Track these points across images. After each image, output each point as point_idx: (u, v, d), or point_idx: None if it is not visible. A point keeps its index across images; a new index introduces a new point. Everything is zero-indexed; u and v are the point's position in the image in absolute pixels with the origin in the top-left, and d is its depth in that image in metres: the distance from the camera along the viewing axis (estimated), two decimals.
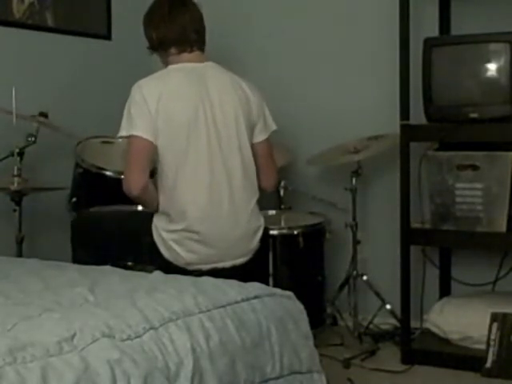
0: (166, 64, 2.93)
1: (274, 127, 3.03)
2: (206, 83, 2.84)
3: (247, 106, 2.91)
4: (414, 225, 3.28)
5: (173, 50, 2.90)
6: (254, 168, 2.92)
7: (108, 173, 3.33)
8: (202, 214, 2.78)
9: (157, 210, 2.86)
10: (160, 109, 2.74)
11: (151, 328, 1.75)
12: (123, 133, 2.78)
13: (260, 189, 3.00)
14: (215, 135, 2.81)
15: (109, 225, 3.04)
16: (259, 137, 2.98)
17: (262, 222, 2.95)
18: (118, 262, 2.67)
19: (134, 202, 2.91)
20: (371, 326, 3.64)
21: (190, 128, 2.78)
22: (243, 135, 2.88)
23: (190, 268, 2.78)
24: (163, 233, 2.80)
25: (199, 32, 2.94)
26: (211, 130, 2.80)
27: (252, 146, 2.94)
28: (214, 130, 2.81)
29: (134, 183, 2.74)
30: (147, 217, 2.88)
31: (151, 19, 2.94)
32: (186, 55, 2.89)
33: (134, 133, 2.75)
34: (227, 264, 2.83)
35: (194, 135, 2.78)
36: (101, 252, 2.81)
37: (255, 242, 2.92)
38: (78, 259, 2.94)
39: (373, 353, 3.36)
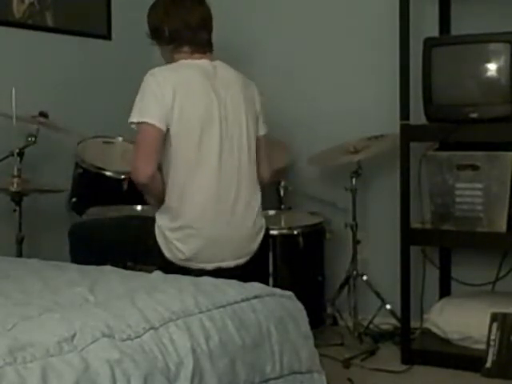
0: (170, 59, 2.90)
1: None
2: (215, 81, 2.83)
3: (253, 104, 2.93)
4: (414, 225, 3.28)
5: (186, 49, 2.88)
6: (257, 169, 2.93)
7: (108, 173, 3.33)
8: (206, 212, 2.77)
9: (161, 203, 2.84)
10: (175, 103, 2.72)
11: (151, 328, 1.75)
12: (134, 119, 2.73)
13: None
14: (227, 134, 2.80)
15: (107, 232, 3.01)
16: (262, 130, 3.00)
17: (263, 222, 2.96)
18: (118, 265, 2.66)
19: (138, 190, 2.88)
20: (371, 326, 3.64)
21: (203, 124, 2.76)
22: (251, 136, 2.89)
23: (194, 267, 2.77)
24: (167, 232, 2.78)
25: (210, 32, 2.93)
26: (223, 127, 2.80)
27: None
28: (226, 128, 2.80)
29: (143, 171, 2.71)
30: (147, 222, 2.87)
31: (166, 13, 2.88)
32: (198, 55, 2.88)
33: (146, 120, 2.71)
34: (231, 263, 2.83)
35: (207, 132, 2.77)
36: (100, 259, 2.76)
37: (258, 242, 2.92)
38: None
39: (373, 353, 3.36)
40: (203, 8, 2.93)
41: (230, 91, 2.85)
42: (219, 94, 2.82)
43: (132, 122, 2.75)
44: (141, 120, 2.72)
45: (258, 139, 2.98)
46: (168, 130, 2.74)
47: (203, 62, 2.87)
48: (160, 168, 2.81)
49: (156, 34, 2.93)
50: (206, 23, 2.92)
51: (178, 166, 2.78)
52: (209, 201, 2.78)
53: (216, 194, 2.78)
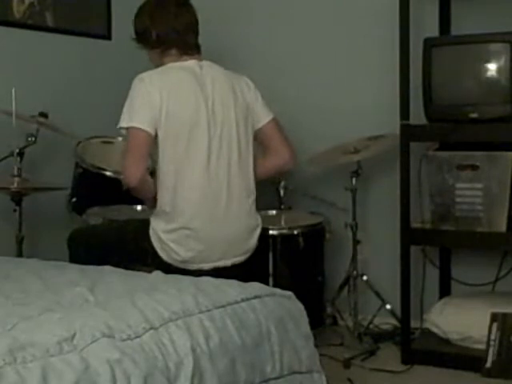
0: (159, 62, 2.91)
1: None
2: (204, 82, 2.84)
3: (243, 100, 2.92)
4: (414, 225, 3.28)
5: (173, 52, 2.89)
6: (252, 167, 2.93)
7: (108, 173, 3.33)
8: (200, 213, 2.78)
9: (154, 205, 2.85)
10: (163, 105, 2.74)
11: (151, 328, 1.75)
12: (123, 124, 2.76)
13: (279, 169, 3.07)
14: (215, 134, 2.81)
15: (105, 236, 3.01)
16: (263, 119, 2.99)
17: (259, 220, 2.96)
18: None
19: (132, 194, 2.89)
20: (371, 326, 3.64)
21: (191, 126, 2.78)
22: (242, 134, 2.88)
23: (191, 268, 2.78)
24: (162, 234, 2.79)
25: (197, 35, 2.94)
26: (212, 128, 2.80)
27: (259, 130, 2.97)
28: (214, 128, 2.81)
29: (133, 174, 2.74)
30: (143, 224, 2.87)
31: (153, 16, 2.90)
32: (186, 57, 2.89)
33: (134, 124, 2.73)
34: (228, 262, 2.83)
35: (196, 134, 2.78)
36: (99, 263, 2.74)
37: (254, 241, 2.92)
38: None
39: (373, 353, 3.36)
40: (189, 12, 2.94)
41: (218, 91, 2.85)
42: (207, 94, 2.82)
43: (121, 127, 2.77)
44: (130, 125, 2.75)
45: (262, 129, 2.97)
46: (156, 133, 2.76)
47: (191, 64, 2.88)
48: (153, 172, 2.83)
49: (143, 37, 2.94)
50: (193, 26, 2.93)
51: (168, 169, 2.79)
52: (201, 202, 2.78)
53: (207, 195, 2.79)
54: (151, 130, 2.74)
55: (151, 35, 2.90)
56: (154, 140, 2.77)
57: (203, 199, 2.78)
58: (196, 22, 2.95)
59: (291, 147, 3.06)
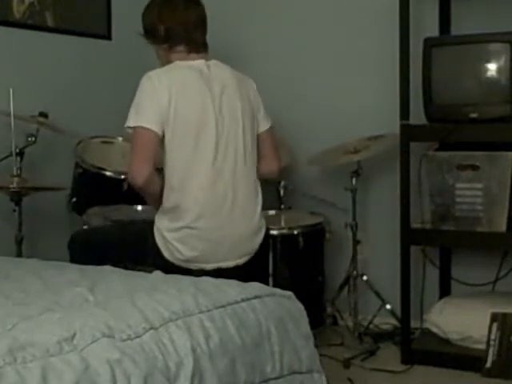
0: (166, 60, 2.91)
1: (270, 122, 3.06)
2: (210, 82, 2.84)
3: (250, 102, 2.92)
4: (414, 225, 3.28)
5: (181, 48, 2.88)
6: (256, 168, 2.93)
7: (108, 173, 3.33)
8: (205, 213, 2.77)
9: (158, 205, 2.85)
10: (171, 105, 2.73)
11: (151, 328, 1.75)
12: (130, 123, 2.75)
13: (263, 176, 3.00)
14: (222, 134, 2.80)
15: (106, 236, 3.01)
16: (262, 126, 3.00)
17: (263, 222, 2.96)
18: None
19: (137, 194, 2.89)
20: (371, 326, 3.64)
21: (199, 126, 2.77)
22: (248, 135, 2.88)
23: (193, 267, 2.78)
24: (166, 233, 2.79)
25: (205, 33, 2.94)
26: (219, 129, 2.80)
27: (257, 135, 2.97)
28: (222, 128, 2.80)
29: (139, 173, 2.73)
30: (146, 224, 2.87)
31: (161, 11, 2.89)
32: (194, 55, 2.89)
33: (141, 124, 2.72)
34: (231, 263, 2.83)
35: (203, 133, 2.77)
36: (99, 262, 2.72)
37: (257, 242, 2.92)
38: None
39: (373, 353, 3.36)
40: (198, 8, 2.94)
41: (225, 91, 2.85)
42: (214, 94, 2.82)
43: (128, 127, 2.76)
44: (137, 124, 2.74)
45: (260, 135, 2.98)
46: (164, 132, 2.75)
47: (198, 63, 2.87)
48: (160, 171, 2.83)
49: (151, 33, 2.93)
50: (201, 23, 2.93)
51: (175, 168, 2.79)
52: (207, 202, 2.78)
53: (213, 195, 2.79)
54: (158, 130, 2.74)
55: (159, 30, 2.89)
56: (161, 139, 2.76)
57: (209, 199, 2.78)
58: (204, 19, 2.94)
59: (280, 160, 3.08)
